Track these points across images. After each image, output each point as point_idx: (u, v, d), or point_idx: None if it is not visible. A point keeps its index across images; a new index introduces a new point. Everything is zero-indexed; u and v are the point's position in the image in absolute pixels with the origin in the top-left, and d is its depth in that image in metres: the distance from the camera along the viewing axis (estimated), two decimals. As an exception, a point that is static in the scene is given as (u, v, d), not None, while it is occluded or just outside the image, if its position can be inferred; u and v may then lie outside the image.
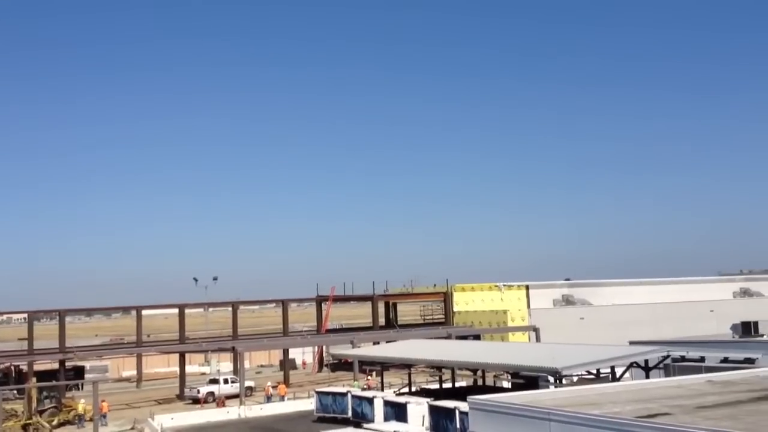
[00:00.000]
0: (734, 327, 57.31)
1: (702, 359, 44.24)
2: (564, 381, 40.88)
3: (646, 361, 41.78)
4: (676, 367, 43.44)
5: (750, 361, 42.81)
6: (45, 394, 60.10)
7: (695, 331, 66.76)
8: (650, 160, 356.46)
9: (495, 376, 58.96)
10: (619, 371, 42.67)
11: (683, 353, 43.54)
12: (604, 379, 41.16)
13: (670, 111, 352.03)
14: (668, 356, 42.37)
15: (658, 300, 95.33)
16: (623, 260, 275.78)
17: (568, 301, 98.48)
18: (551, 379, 41.89)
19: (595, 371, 42.73)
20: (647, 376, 40.48)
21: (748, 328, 55.08)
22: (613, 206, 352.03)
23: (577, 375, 44.62)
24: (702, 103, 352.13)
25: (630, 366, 42.08)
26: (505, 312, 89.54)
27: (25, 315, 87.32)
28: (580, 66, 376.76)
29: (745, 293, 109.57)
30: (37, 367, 73.20)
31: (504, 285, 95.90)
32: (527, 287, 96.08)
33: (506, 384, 55.38)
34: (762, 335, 53.73)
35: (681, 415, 21.94)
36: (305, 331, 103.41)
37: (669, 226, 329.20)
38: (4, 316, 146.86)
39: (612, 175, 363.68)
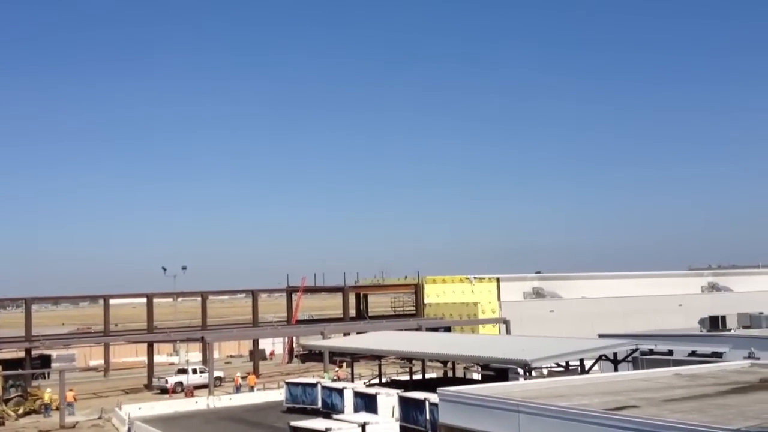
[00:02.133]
0: (702, 321, 57.73)
1: (670, 353, 44.57)
2: (533, 373, 41.07)
3: (615, 354, 42.06)
4: (645, 361, 43.70)
5: (717, 355, 43.21)
6: (11, 382, 59.36)
7: (664, 325, 67.39)
8: (622, 154, 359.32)
9: (465, 368, 59.14)
10: (588, 364, 42.93)
11: (651, 346, 43.84)
12: (573, 372, 41.41)
13: (649, 103, 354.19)
14: (637, 349, 42.64)
15: (628, 293, 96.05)
16: (594, 254, 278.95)
17: (538, 293, 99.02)
18: (521, 371, 42.07)
19: (564, 364, 42.96)
20: (616, 369, 40.75)
21: (715, 323, 55.51)
22: (584, 200, 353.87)
23: (547, 367, 44.83)
24: (671, 96, 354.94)
25: (599, 359, 42.33)
26: (475, 304, 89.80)
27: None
28: (577, 60, 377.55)
29: (713, 288, 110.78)
30: (2, 356, 72.18)
31: (475, 277, 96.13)
32: (498, 280, 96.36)
33: (476, 376, 55.60)
34: (729, 329, 54.18)
35: (648, 408, 22.03)
36: (275, 321, 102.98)
37: (639, 220, 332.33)
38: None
39: (584, 169, 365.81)
